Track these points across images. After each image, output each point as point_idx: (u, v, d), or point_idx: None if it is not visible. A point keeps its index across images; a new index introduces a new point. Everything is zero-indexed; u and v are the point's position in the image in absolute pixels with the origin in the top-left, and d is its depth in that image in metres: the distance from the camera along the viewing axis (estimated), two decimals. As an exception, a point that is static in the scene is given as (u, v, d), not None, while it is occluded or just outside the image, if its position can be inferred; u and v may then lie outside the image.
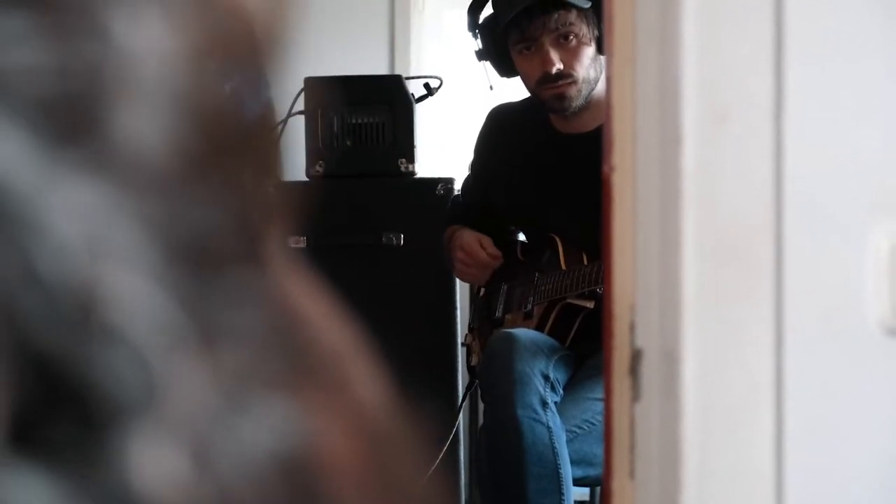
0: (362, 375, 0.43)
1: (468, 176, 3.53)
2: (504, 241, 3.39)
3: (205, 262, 0.37)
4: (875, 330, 1.46)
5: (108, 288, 0.35)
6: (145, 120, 0.36)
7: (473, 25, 3.30)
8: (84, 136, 0.36)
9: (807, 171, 1.46)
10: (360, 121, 4.01)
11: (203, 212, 0.37)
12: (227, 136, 0.39)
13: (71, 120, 0.36)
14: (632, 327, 1.62)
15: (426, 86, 4.10)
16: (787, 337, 1.47)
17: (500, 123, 3.37)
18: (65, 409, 0.35)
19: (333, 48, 4.98)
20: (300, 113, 4.04)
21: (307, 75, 4.05)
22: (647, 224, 1.57)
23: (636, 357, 1.60)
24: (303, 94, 4.02)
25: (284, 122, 4.06)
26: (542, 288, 3.21)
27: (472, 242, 3.33)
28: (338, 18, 5.04)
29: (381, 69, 5.02)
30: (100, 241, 0.35)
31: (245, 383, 0.37)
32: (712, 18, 1.47)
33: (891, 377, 1.47)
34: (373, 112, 4.01)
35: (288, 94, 4.13)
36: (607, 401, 1.67)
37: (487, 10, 3.32)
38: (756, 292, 1.48)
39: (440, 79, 4.09)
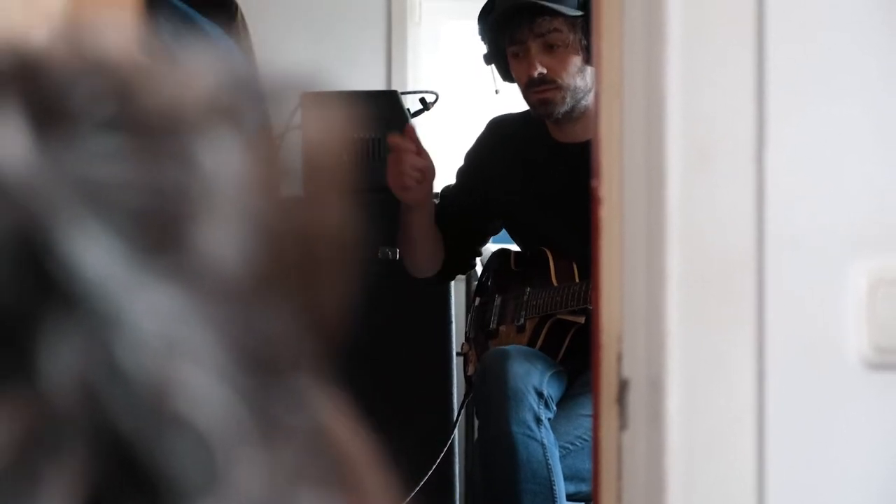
0: (378, 485, 0.47)
1: (451, 186, 3.52)
2: (501, 252, 3.42)
3: (267, 367, 0.41)
4: (855, 363, 1.50)
5: (181, 383, 0.39)
6: (221, 238, 0.41)
7: (483, 30, 3.35)
8: (168, 247, 0.40)
9: (788, 209, 1.50)
10: (356, 136, 4.05)
11: (268, 322, 0.41)
12: (294, 255, 0.43)
13: (157, 232, 0.40)
14: (619, 357, 1.65)
15: (422, 101, 4.13)
16: (769, 369, 1.51)
17: (501, 132, 3.39)
18: (136, 491, 0.39)
19: (330, 63, 5.01)
20: (297, 128, 4.07)
21: (304, 90, 4.08)
22: (633, 257, 1.61)
23: (623, 386, 1.64)
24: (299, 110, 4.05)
25: (282, 136, 4.09)
26: (534, 303, 3.23)
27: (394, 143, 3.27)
28: (335, 33, 5.08)
29: (378, 84, 5.05)
30: (176, 340, 0.39)
31: (297, 478, 0.41)
32: (696, 60, 1.51)
33: (870, 409, 1.50)
34: (369, 127, 4.05)
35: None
36: (595, 429, 1.71)
37: None
38: (739, 326, 1.52)
39: (436, 93, 4.12)
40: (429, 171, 3.20)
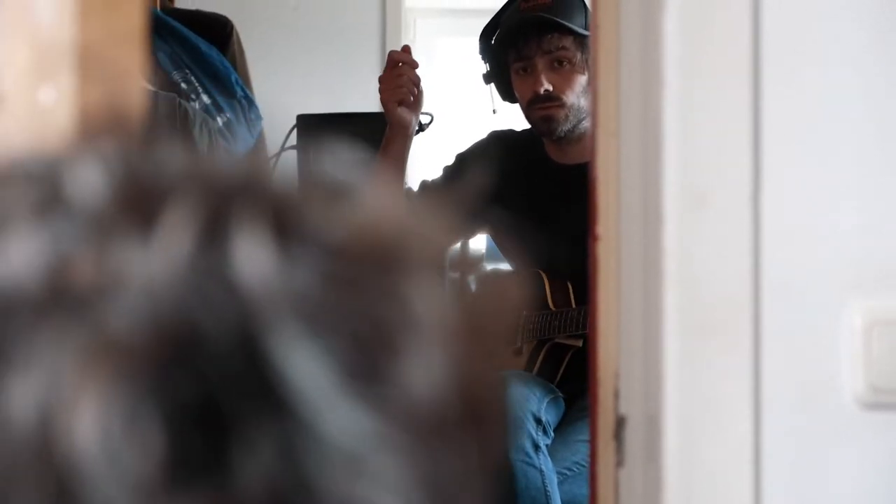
0: None
1: (433, 179, 3.50)
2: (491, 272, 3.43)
3: (445, 502, 0.43)
4: (851, 404, 1.52)
5: (364, 501, 0.41)
6: (422, 373, 0.43)
7: (483, 49, 3.35)
8: (372, 374, 0.42)
9: (784, 251, 1.52)
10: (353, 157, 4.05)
11: (453, 461, 0.43)
12: (482, 407, 0.45)
13: (365, 358, 0.43)
14: (616, 394, 1.67)
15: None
16: (765, 409, 1.52)
17: (502, 146, 3.38)
18: None
19: (325, 84, 5.02)
20: (293, 148, 4.08)
21: (298, 111, 4.10)
22: (630, 296, 1.63)
23: (620, 423, 1.65)
24: (295, 131, 4.06)
25: (277, 157, 4.11)
26: (530, 326, 3.24)
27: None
28: (330, 55, 5.09)
29: (373, 102, 5.06)
30: (366, 463, 0.41)
31: None
32: (692, 101, 1.53)
33: (866, 449, 1.52)
34: (364, 149, 4.05)
35: (280, 129, 4.18)
36: (592, 465, 1.72)
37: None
38: (735, 365, 1.53)
39: (431, 115, 4.13)
40: (422, 92, 3.22)
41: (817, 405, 1.52)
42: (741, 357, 1.53)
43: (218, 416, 0.40)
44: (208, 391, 0.40)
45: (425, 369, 0.43)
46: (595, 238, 1.69)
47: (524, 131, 3.38)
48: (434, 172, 3.52)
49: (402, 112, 3.19)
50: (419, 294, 0.44)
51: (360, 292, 0.43)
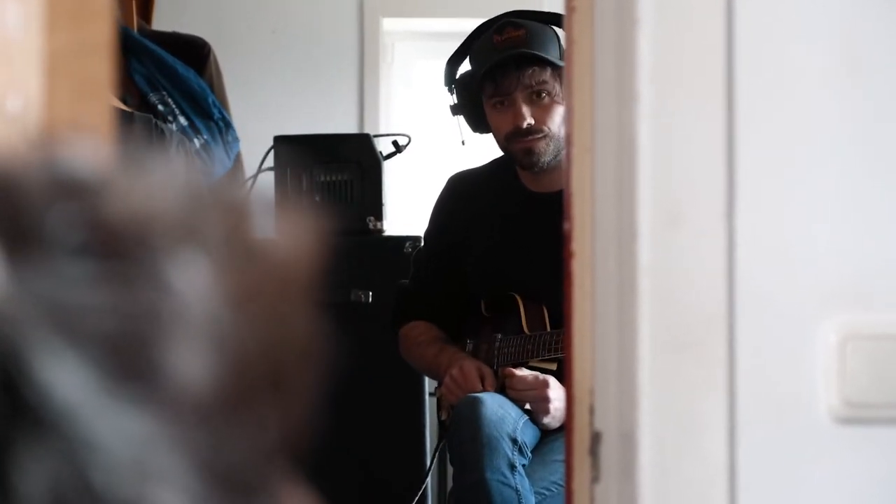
0: None
1: (421, 250, 3.51)
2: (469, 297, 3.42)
3: (238, 487, 0.42)
4: (825, 419, 1.52)
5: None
6: (192, 359, 0.42)
7: (450, 79, 3.34)
8: (139, 370, 0.41)
9: (758, 267, 1.52)
10: (328, 178, 4.06)
11: (239, 441, 0.42)
12: (263, 375, 0.44)
13: (129, 356, 0.41)
14: (591, 410, 1.66)
15: (395, 143, 4.15)
16: (741, 425, 1.52)
17: (464, 189, 3.38)
18: None
19: (303, 106, 5.02)
20: (270, 169, 4.08)
21: (276, 133, 4.10)
22: (604, 312, 1.62)
23: (595, 439, 1.65)
24: (272, 152, 4.06)
25: (254, 178, 4.10)
26: (505, 350, 3.24)
27: (472, 370, 3.21)
28: (308, 76, 5.09)
29: (351, 127, 5.06)
30: (147, 463, 0.40)
31: None
32: (666, 117, 1.53)
33: (841, 464, 1.52)
34: (341, 170, 4.05)
35: (258, 151, 4.18)
36: (568, 481, 1.72)
37: (465, 65, 3.36)
38: (710, 381, 1.53)
39: (409, 136, 4.13)
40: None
41: (792, 420, 1.52)
42: (716, 373, 1.53)
43: None
44: None
45: (195, 354, 0.42)
46: (570, 255, 1.68)
47: (489, 164, 3.38)
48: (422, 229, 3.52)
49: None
50: (179, 275, 0.42)
51: (113, 288, 0.41)
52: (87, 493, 0.40)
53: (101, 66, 0.92)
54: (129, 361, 0.41)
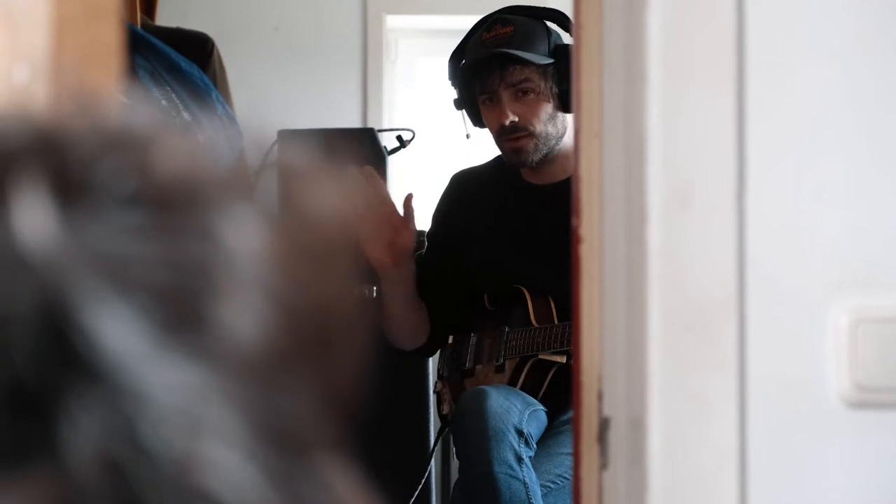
0: None
1: (425, 251, 3.49)
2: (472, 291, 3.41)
3: (288, 444, 0.41)
4: (836, 403, 1.51)
5: (205, 459, 0.39)
6: (242, 313, 0.41)
7: (453, 74, 3.35)
8: (190, 323, 0.40)
9: (769, 249, 1.51)
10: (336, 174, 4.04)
11: (289, 399, 0.41)
12: (312, 336, 0.43)
13: (179, 308, 0.40)
14: (599, 396, 1.65)
15: (399, 138, 4.14)
16: (751, 409, 1.51)
17: (466, 186, 3.39)
18: None
19: (307, 101, 5.01)
20: (274, 164, 4.07)
21: (280, 128, 4.08)
22: (613, 296, 1.61)
23: (604, 425, 1.64)
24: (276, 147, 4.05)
25: (258, 173, 4.09)
26: (513, 343, 3.23)
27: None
28: (310, 74, 5.08)
29: (355, 121, 5.06)
30: (199, 417, 0.39)
31: None
32: (676, 101, 1.52)
33: (852, 448, 1.51)
34: (346, 164, 4.05)
35: (262, 147, 4.17)
36: (576, 468, 1.71)
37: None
38: (720, 365, 1.52)
39: (413, 131, 4.12)
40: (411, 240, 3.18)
41: (803, 405, 1.51)
42: (726, 357, 1.52)
43: (30, 397, 0.39)
44: (14, 374, 0.38)
45: (246, 308, 0.41)
46: (578, 239, 1.67)
47: (491, 160, 3.39)
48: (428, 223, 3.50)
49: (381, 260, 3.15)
50: (230, 230, 0.42)
51: (164, 240, 0.41)
52: (137, 446, 0.39)
53: (108, 31, 0.92)
54: (180, 313, 0.41)
